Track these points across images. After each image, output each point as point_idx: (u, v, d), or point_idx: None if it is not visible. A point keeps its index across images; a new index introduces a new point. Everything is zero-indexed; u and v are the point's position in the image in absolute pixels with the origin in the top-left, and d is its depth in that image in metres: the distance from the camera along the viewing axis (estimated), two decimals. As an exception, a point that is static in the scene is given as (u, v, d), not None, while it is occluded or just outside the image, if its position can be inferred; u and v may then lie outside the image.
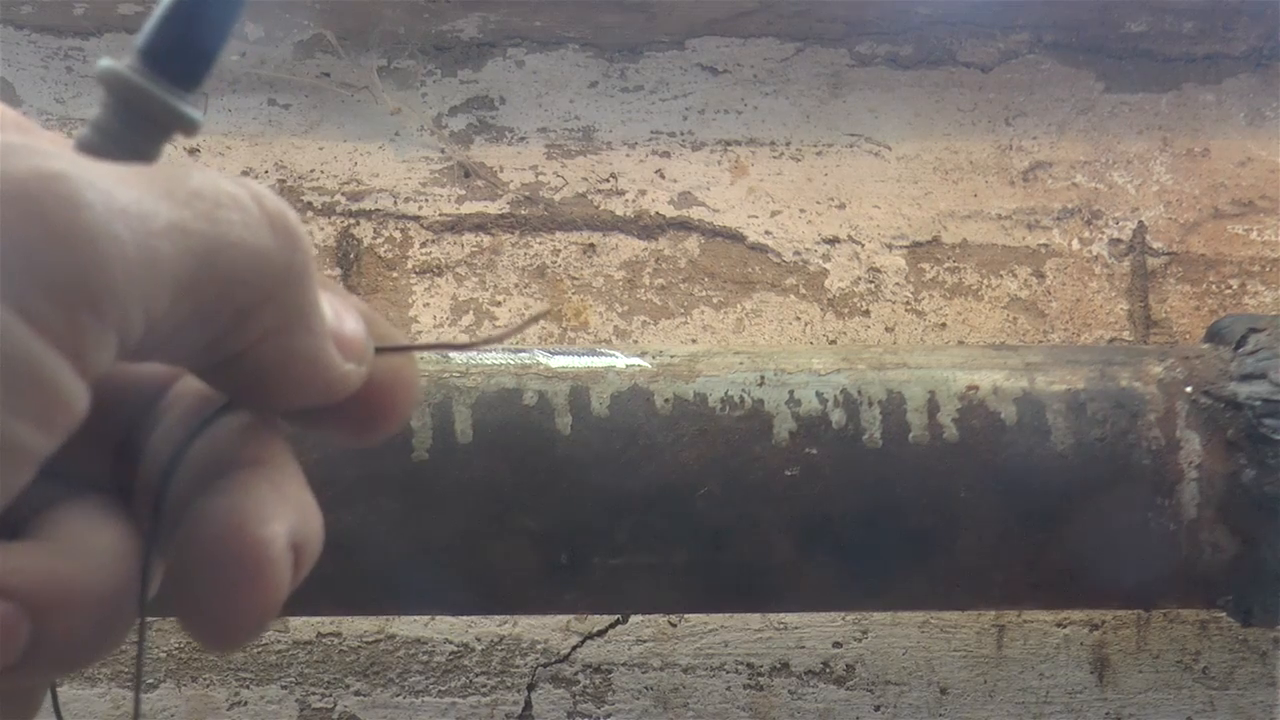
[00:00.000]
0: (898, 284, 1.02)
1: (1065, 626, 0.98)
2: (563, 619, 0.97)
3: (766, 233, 1.03)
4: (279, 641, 0.99)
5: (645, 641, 0.98)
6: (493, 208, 1.03)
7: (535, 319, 0.30)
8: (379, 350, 0.28)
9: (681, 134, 1.04)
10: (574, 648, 0.98)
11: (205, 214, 0.23)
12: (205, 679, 0.99)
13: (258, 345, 0.25)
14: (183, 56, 0.26)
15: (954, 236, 1.03)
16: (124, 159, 0.25)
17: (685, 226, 1.03)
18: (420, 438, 0.71)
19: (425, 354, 0.75)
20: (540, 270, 1.02)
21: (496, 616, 0.97)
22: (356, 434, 0.28)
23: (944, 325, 1.01)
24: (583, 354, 0.75)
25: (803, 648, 0.98)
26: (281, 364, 0.26)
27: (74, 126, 1.03)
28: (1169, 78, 1.05)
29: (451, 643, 0.98)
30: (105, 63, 0.26)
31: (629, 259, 1.02)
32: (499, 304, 1.01)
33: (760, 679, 0.98)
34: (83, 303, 0.22)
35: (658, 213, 1.03)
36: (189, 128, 0.26)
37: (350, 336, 0.27)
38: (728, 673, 0.98)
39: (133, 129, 0.26)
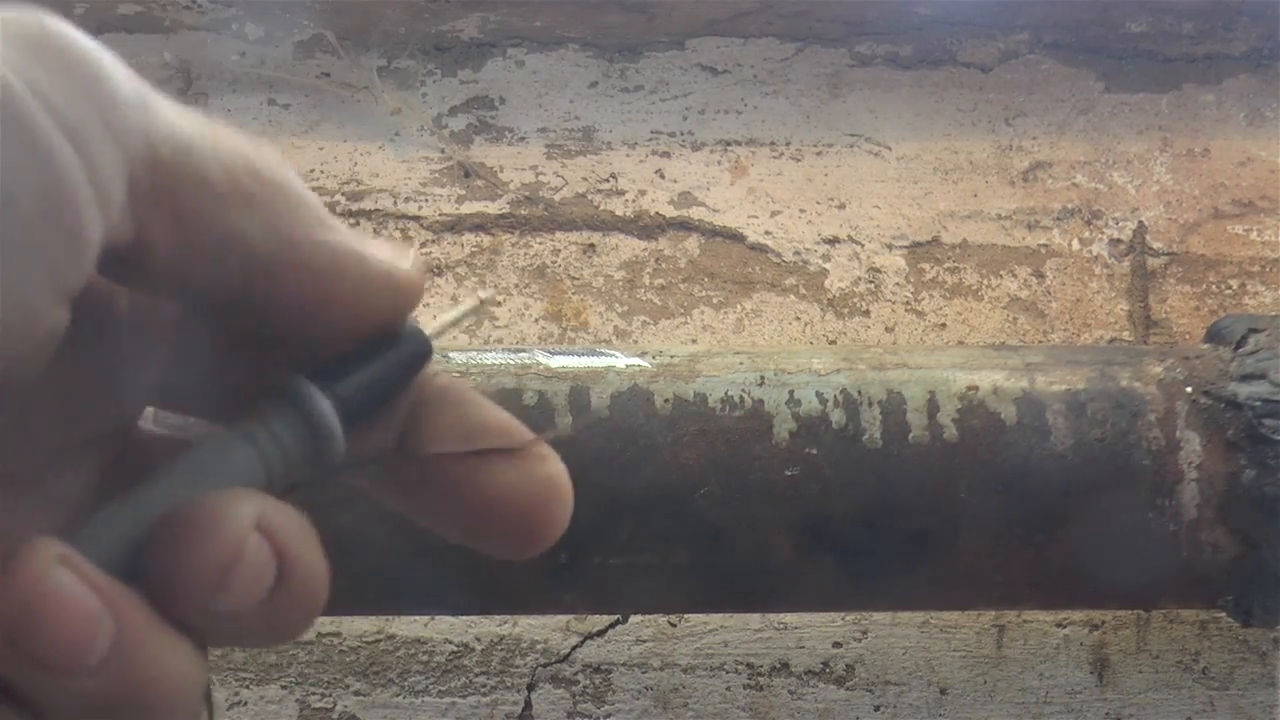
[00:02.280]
0: (898, 284, 1.02)
1: (1065, 626, 0.98)
2: (563, 619, 0.97)
3: (766, 233, 1.03)
4: (279, 641, 0.99)
5: (645, 641, 0.98)
6: (493, 208, 1.03)
7: (473, 309, 0.30)
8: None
9: (681, 134, 1.04)
10: (574, 648, 0.98)
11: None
12: (205, 679, 0.99)
13: (276, 253, 0.26)
14: (365, 402, 0.29)
15: (954, 236, 1.03)
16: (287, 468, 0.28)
17: (685, 226, 1.03)
18: (420, 438, 0.71)
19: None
20: (540, 270, 1.02)
21: (496, 616, 0.97)
22: (514, 546, 0.29)
23: (944, 325, 1.01)
24: (582, 354, 0.75)
25: (803, 648, 0.98)
26: (310, 262, 0.27)
27: (74, 126, 1.03)
28: (1169, 78, 1.05)
29: (451, 643, 0.98)
30: (304, 386, 0.28)
31: (629, 259, 1.02)
32: (499, 304, 1.01)
33: (760, 679, 0.98)
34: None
35: (658, 213, 1.03)
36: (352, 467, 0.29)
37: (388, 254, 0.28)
38: (727, 673, 0.98)
39: (301, 446, 0.28)
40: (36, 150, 0.23)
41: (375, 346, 0.28)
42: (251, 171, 0.26)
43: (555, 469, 0.29)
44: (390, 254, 0.29)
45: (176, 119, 0.26)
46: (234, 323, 0.28)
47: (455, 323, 0.30)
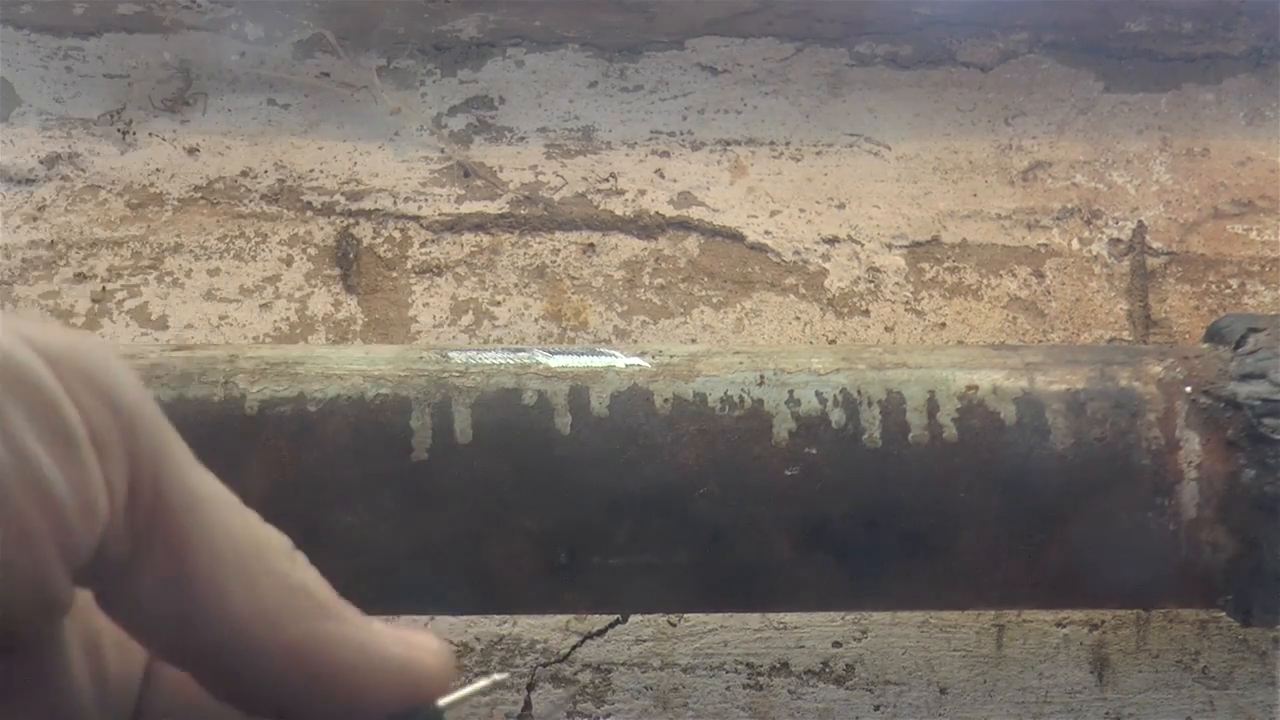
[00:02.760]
0: (897, 284, 1.02)
1: (1065, 626, 0.98)
2: (562, 619, 0.97)
3: (766, 232, 1.03)
4: (279, 641, 0.99)
5: (645, 641, 0.98)
6: (492, 208, 1.03)
7: (487, 688, 0.31)
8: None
9: (681, 134, 1.04)
10: (574, 647, 0.98)
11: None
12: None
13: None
14: None
15: (954, 236, 1.03)
16: None
17: (685, 226, 1.03)
18: (420, 438, 0.71)
19: (425, 353, 0.75)
20: (540, 270, 1.02)
21: (496, 616, 0.97)
22: None
23: (943, 325, 1.01)
24: (582, 354, 0.75)
25: (802, 648, 0.98)
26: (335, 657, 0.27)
27: (73, 126, 1.03)
28: (1169, 78, 1.05)
29: (451, 642, 0.98)
30: None
31: (628, 259, 1.02)
32: (498, 304, 1.01)
33: (760, 679, 0.98)
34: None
35: (657, 212, 1.03)
36: None
37: (416, 634, 0.29)
38: (727, 673, 0.98)
39: None
40: (62, 433, 0.24)
41: None
42: (257, 551, 0.27)
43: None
44: (413, 643, 0.29)
45: (196, 478, 0.27)
46: (226, 682, 0.28)
47: (468, 699, 0.31)
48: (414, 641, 0.29)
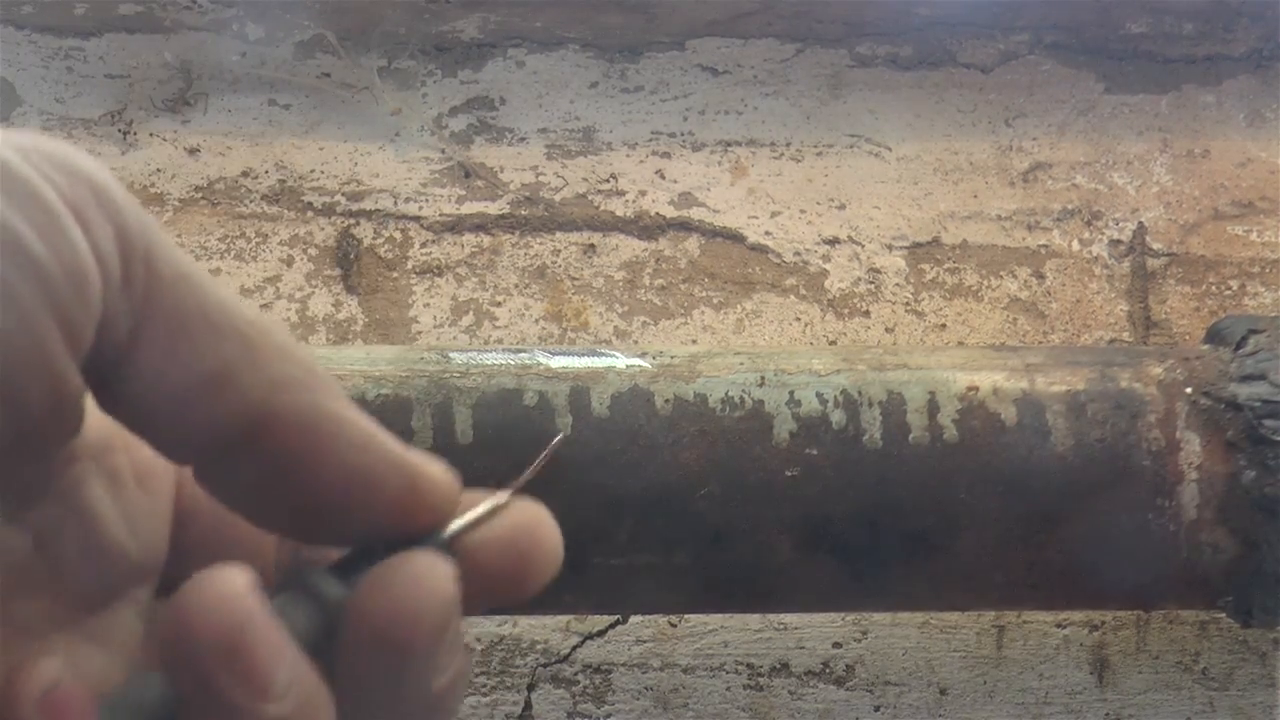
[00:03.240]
0: (898, 285, 1.02)
1: (1065, 627, 0.98)
2: (563, 619, 0.97)
3: (767, 233, 1.03)
4: (279, 641, 0.99)
5: (645, 642, 0.98)
6: (493, 208, 1.03)
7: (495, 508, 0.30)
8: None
9: (682, 134, 1.04)
10: (574, 648, 0.98)
11: None
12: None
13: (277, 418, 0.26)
14: None
15: (954, 237, 1.03)
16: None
17: (685, 227, 1.03)
18: (420, 438, 0.71)
19: (426, 353, 0.75)
20: (540, 270, 1.02)
21: (496, 616, 0.97)
22: (502, 592, 0.28)
23: (944, 326, 1.01)
24: (583, 354, 0.75)
25: (803, 648, 0.98)
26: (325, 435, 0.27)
27: (74, 126, 1.03)
28: (1169, 79, 1.05)
29: (451, 643, 0.98)
30: None
31: (629, 259, 1.02)
32: (499, 304, 1.02)
33: (760, 679, 0.98)
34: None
35: (658, 213, 1.03)
36: None
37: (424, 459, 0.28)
38: (727, 673, 0.98)
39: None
40: (38, 204, 0.23)
41: (396, 534, 0.28)
42: (253, 321, 0.26)
43: (538, 514, 0.29)
44: (421, 457, 0.28)
45: (182, 254, 0.26)
46: (235, 480, 0.28)
47: (478, 522, 0.30)
48: (421, 457, 0.29)
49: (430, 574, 0.27)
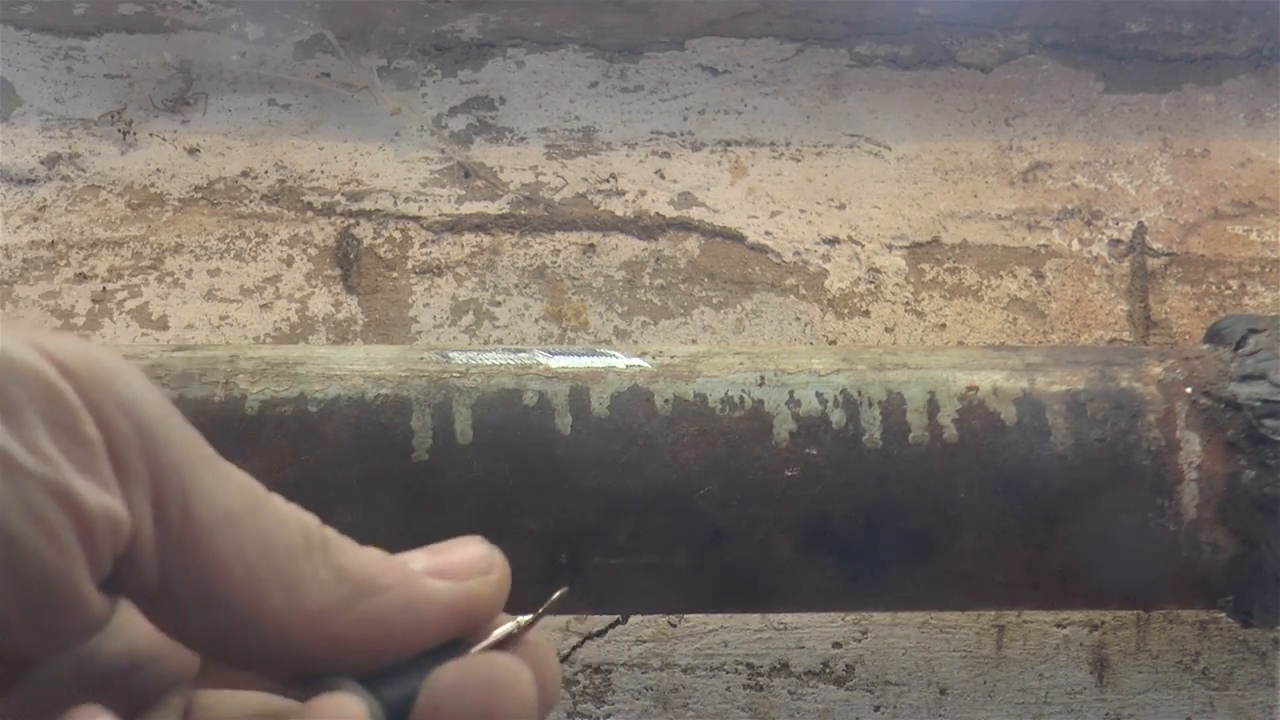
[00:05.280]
0: (898, 284, 1.02)
1: (1065, 627, 0.98)
2: (563, 619, 0.97)
3: (766, 233, 1.03)
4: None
5: (645, 641, 0.98)
6: (493, 208, 1.03)
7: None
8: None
9: (681, 134, 1.04)
10: (574, 648, 0.98)
11: None
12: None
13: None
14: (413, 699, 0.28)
15: (954, 237, 1.03)
16: None
17: (685, 227, 1.03)
18: (420, 438, 0.71)
19: (426, 353, 0.75)
20: (540, 270, 1.02)
21: (496, 617, 0.97)
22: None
23: (944, 326, 1.01)
24: (583, 354, 0.75)
25: (802, 648, 0.98)
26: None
27: (73, 126, 1.03)
28: (1169, 78, 1.05)
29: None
30: None
31: (629, 259, 1.02)
32: (499, 304, 1.01)
33: (760, 679, 0.98)
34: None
35: (658, 213, 1.03)
36: None
37: (461, 557, 0.29)
38: (727, 673, 0.98)
39: None
40: (77, 430, 0.24)
41: (436, 651, 0.29)
42: (290, 554, 0.27)
43: (516, 670, 0.29)
44: (461, 570, 0.29)
45: (223, 487, 0.26)
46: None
47: (503, 642, 0.31)
48: (459, 567, 0.29)
49: (515, 678, 0.27)
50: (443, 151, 1.03)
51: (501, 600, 0.29)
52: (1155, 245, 1.03)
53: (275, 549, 0.26)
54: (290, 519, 0.27)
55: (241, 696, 0.30)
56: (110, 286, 1.01)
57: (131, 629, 0.28)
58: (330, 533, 0.28)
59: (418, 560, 0.29)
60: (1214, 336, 0.80)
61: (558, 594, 0.32)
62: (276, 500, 0.27)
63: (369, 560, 0.28)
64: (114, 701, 0.27)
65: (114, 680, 0.28)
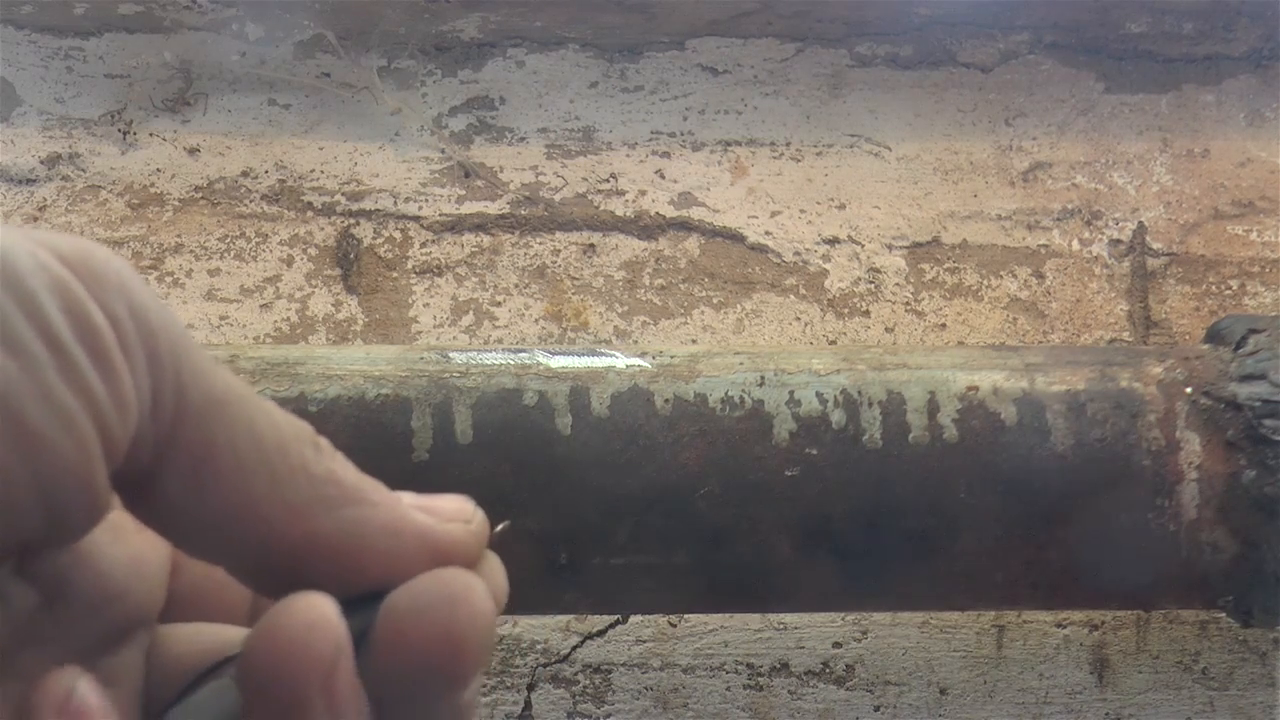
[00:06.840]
0: (898, 284, 1.02)
1: (1065, 627, 0.98)
2: (563, 619, 0.97)
3: (766, 233, 1.03)
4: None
5: (645, 641, 0.98)
6: (493, 208, 1.03)
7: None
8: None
9: (681, 134, 1.04)
10: (574, 648, 0.98)
11: None
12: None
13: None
14: None
15: (954, 237, 1.03)
16: None
17: (685, 227, 1.03)
18: (420, 438, 0.71)
19: (426, 353, 0.75)
20: (540, 270, 1.02)
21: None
22: (428, 669, 0.28)
23: (944, 326, 1.01)
24: (583, 354, 0.75)
25: (802, 648, 0.98)
26: (353, 537, 0.28)
27: (74, 126, 1.03)
28: (1169, 78, 1.05)
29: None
30: None
31: (629, 259, 1.02)
32: (499, 304, 1.01)
33: (760, 679, 0.98)
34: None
35: (658, 213, 1.03)
36: None
37: (446, 505, 0.28)
38: (727, 673, 0.98)
39: None
40: (89, 321, 0.24)
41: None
42: (281, 447, 0.27)
43: (469, 583, 0.29)
44: (443, 513, 0.29)
45: (216, 375, 0.27)
46: (267, 586, 0.28)
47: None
48: (443, 511, 0.29)
49: (469, 590, 0.27)
50: (443, 151, 1.03)
51: (477, 552, 0.29)
52: (1155, 245, 1.03)
53: (264, 440, 0.27)
54: (280, 415, 0.28)
55: (204, 628, 0.30)
56: (110, 286, 1.01)
57: (99, 561, 0.28)
58: (325, 440, 0.28)
59: (406, 497, 0.29)
60: (1214, 336, 0.80)
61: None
62: (269, 401, 0.28)
63: (361, 475, 0.29)
64: (81, 636, 0.27)
65: (80, 616, 0.28)
